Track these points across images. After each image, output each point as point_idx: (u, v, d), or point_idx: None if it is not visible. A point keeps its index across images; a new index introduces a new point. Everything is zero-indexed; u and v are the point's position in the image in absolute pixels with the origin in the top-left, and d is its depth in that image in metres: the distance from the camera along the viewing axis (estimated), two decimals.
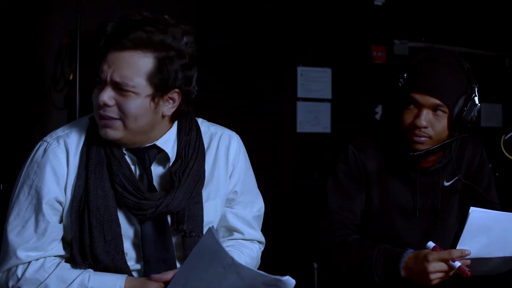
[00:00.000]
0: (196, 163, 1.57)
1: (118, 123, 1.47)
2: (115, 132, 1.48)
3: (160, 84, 1.46)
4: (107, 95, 1.45)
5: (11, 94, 3.26)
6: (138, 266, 1.58)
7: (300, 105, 4.08)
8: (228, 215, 1.70)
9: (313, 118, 4.12)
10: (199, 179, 1.58)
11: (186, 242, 1.56)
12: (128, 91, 1.44)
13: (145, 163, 1.55)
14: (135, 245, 1.57)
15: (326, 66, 4.14)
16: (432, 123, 1.81)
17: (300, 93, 4.09)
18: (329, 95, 4.16)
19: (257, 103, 3.92)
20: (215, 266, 1.29)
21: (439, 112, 1.80)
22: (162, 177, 1.58)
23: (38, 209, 1.49)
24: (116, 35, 1.43)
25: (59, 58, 3.20)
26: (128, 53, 1.43)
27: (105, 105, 1.45)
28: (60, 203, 1.52)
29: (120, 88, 1.44)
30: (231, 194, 1.69)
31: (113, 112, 1.46)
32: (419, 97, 1.80)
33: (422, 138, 1.82)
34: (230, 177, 1.67)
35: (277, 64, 3.99)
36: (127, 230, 1.55)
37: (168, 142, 1.58)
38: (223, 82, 3.83)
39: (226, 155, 1.66)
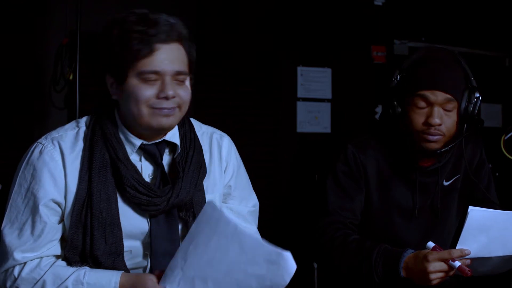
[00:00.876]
0: (195, 152, 1.62)
1: (177, 111, 1.53)
2: (174, 119, 1.54)
3: (193, 70, 1.57)
4: (171, 87, 1.49)
5: (11, 94, 3.26)
6: (144, 263, 1.59)
7: (300, 105, 4.09)
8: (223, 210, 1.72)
9: (313, 118, 4.12)
10: (201, 167, 1.62)
11: None
12: (183, 80, 1.52)
13: (157, 158, 1.58)
14: (142, 242, 1.58)
15: (326, 66, 4.14)
16: (443, 120, 1.81)
17: (300, 93, 4.09)
18: (329, 95, 4.16)
19: (257, 103, 3.92)
20: (216, 238, 1.28)
21: (449, 107, 1.80)
22: (168, 169, 1.61)
23: (34, 212, 1.49)
24: (164, 29, 1.48)
25: (59, 58, 3.19)
26: (174, 45, 1.51)
27: (172, 97, 1.50)
28: (58, 204, 1.51)
29: (178, 79, 1.51)
30: (226, 188, 1.72)
31: (174, 103, 1.51)
32: (429, 94, 1.79)
33: (436, 137, 1.81)
34: (224, 171, 1.70)
35: (277, 64, 3.99)
36: (134, 228, 1.56)
37: (175, 135, 1.62)
38: (223, 82, 3.83)
39: (219, 152, 1.71)
